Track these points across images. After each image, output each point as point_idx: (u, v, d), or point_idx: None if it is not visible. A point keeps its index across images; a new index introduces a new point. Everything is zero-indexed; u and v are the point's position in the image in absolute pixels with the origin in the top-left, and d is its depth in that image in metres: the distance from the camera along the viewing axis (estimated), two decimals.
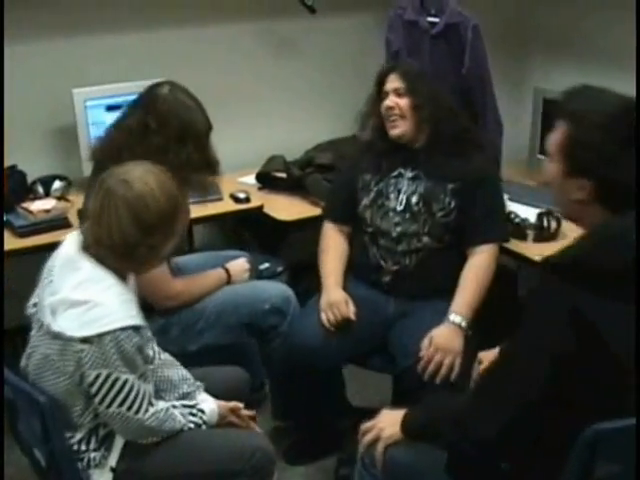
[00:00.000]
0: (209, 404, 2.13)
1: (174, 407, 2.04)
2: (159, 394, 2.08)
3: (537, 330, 1.63)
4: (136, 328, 1.87)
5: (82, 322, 1.81)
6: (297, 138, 3.66)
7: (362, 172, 2.73)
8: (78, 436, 1.94)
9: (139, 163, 1.95)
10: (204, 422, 2.08)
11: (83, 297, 1.83)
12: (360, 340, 2.60)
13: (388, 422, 1.92)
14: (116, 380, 1.84)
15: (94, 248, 1.88)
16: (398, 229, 2.63)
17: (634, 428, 1.55)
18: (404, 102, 2.62)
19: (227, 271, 2.72)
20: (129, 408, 1.88)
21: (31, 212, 2.91)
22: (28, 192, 3.14)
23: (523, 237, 2.87)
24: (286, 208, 3.25)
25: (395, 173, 2.67)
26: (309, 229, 3.43)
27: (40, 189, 3.16)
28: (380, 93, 2.69)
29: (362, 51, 3.79)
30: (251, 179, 3.46)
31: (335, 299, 2.60)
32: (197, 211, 2.96)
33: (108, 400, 1.86)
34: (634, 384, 1.56)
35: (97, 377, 1.83)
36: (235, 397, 2.24)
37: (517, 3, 3.80)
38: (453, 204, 2.59)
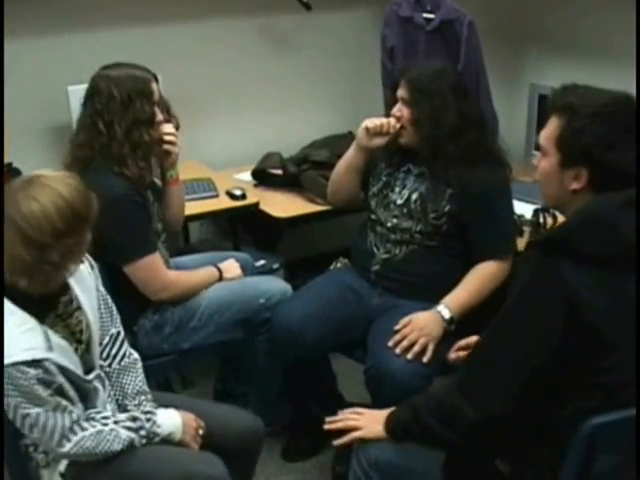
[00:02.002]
0: (170, 417, 2.04)
1: (116, 422, 1.95)
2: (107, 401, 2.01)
3: (525, 306, 1.65)
4: (34, 362, 1.75)
5: None
6: (293, 135, 3.66)
7: (379, 159, 2.75)
8: (27, 441, 1.92)
9: (43, 174, 1.82)
10: (156, 434, 1.99)
11: None
12: (342, 325, 2.62)
13: (372, 420, 1.92)
14: (24, 414, 1.78)
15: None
16: (394, 221, 2.65)
17: (633, 420, 1.56)
18: (407, 113, 2.60)
19: (218, 268, 2.71)
20: (42, 437, 1.83)
21: None
22: None
23: (519, 233, 2.87)
24: (282, 205, 3.24)
25: (405, 168, 2.68)
26: (305, 226, 3.44)
27: None
28: (395, 95, 2.66)
29: (358, 48, 3.79)
30: (247, 176, 3.46)
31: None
32: (193, 208, 2.96)
33: (26, 429, 1.81)
34: (610, 365, 1.58)
35: (7, 406, 1.78)
36: (249, 446, 2.19)
37: None
38: (447, 209, 2.57)
